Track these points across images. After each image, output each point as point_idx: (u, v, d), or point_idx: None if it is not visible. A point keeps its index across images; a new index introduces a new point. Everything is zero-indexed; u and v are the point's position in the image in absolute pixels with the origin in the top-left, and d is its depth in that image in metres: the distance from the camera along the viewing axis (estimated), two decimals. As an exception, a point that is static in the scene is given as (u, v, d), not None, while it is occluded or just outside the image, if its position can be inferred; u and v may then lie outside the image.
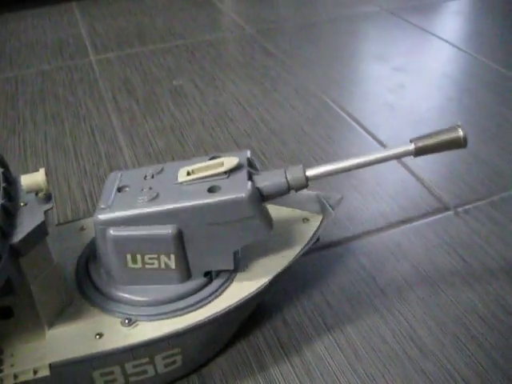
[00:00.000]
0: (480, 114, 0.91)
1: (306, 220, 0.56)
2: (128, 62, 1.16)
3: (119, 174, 0.51)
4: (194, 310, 0.47)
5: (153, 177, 0.50)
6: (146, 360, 0.46)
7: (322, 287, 0.59)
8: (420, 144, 0.47)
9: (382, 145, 0.82)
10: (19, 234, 0.42)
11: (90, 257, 0.52)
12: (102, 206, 0.46)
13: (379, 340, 0.53)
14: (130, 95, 1.01)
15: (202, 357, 0.50)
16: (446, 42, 1.19)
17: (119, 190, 0.48)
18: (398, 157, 0.48)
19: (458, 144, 0.47)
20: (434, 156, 0.78)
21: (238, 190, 0.46)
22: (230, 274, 0.50)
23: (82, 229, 0.57)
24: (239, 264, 0.51)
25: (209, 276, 0.49)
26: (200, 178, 0.48)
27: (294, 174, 0.48)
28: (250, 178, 0.48)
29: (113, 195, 0.48)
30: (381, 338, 0.53)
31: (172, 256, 0.47)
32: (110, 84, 1.06)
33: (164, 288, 0.48)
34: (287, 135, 0.86)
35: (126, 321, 0.46)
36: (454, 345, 0.52)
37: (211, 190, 0.46)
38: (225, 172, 0.48)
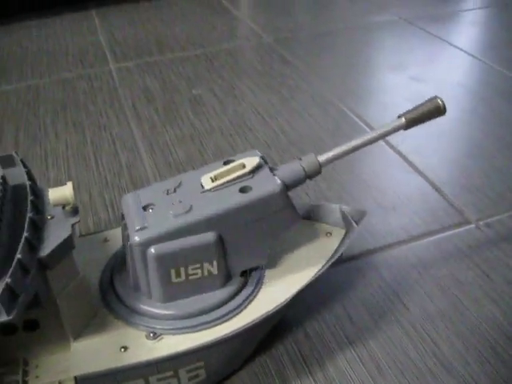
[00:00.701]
0: (495, 123, 0.91)
1: (328, 234, 0.56)
2: (147, 70, 1.16)
3: (137, 194, 0.50)
4: (219, 324, 0.47)
5: (175, 190, 0.50)
6: (171, 373, 0.46)
7: (343, 300, 0.59)
8: (409, 117, 0.53)
9: (402, 155, 0.82)
10: (47, 248, 0.42)
11: (114, 269, 0.52)
12: (138, 228, 0.46)
13: (402, 355, 0.53)
14: (150, 104, 1.02)
15: (225, 370, 0.50)
16: (463, 51, 1.19)
17: (145, 209, 0.48)
18: (394, 131, 0.54)
19: (439, 112, 0.53)
20: (453, 167, 0.79)
21: (269, 186, 0.49)
22: (254, 289, 0.50)
23: (106, 240, 0.57)
24: (263, 278, 0.51)
25: (233, 291, 0.50)
26: (227, 182, 0.49)
27: (308, 162, 0.52)
28: (272, 173, 0.51)
29: (141, 215, 0.47)
30: (403, 352, 0.53)
31: (214, 262, 0.48)
32: (129, 92, 1.07)
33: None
34: (306, 145, 0.86)
35: (151, 334, 0.46)
36: (477, 361, 0.52)
37: (243, 190, 0.49)
38: (250, 172, 0.49)
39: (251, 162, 0.50)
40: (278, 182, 0.49)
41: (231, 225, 0.48)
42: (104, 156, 0.87)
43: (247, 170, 0.50)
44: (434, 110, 0.53)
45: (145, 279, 0.48)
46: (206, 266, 0.48)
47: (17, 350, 0.46)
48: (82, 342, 0.47)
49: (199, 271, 0.48)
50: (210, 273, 0.48)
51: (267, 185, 0.49)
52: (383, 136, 0.54)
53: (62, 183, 0.78)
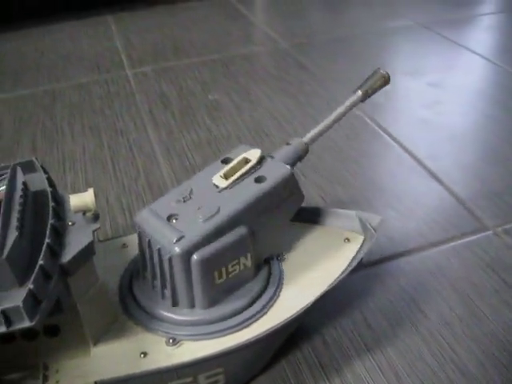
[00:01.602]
0: (511, 127, 0.91)
1: (347, 240, 0.56)
2: (164, 75, 1.17)
3: (151, 209, 0.49)
4: (239, 330, 0.47)
5: (190, 197, 0.50)
6: (190, 379, 0.46)
7: (361, 307, 0.59)
8: (364, 89, 0.59)
9: (420, 162, 0.82)
10: (68, 254, 0.42)
11: (133, 274, 0.52)
12: (176, 239, 0.45)
13: (420, 362, 0.53)
14: (167, 109, 1.02)
15: (244, 376, 0.51)
16: (480, 55, 1.19)
17: (169, 220, 0.48)
18: (355, 104, 0.59)
19: (386, 81, 0.60)
20: (469, 172, 0.79)
21: (280, 171, 0.51)
22: (273, 295, 0.50)
23: (124, 246, 0.57)
24: (282, 284, 0.52)
25: (252, 296, 0.50)
26: (240, 177, 0.50)
27: (296, 143, 0.56)
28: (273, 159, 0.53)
29: (170, 227, 0.47)
30: (422, 359, 0.53)
31: (249, 255, 0.49)
32: (146, 97, 1.07)
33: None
34: (323, 150, 0.86)
35: (171, 340, 0.46)
36: (495, 368, 0.52)
37: (258, 180, 0.50)
38: (257, 163, 0.51)
39: (253, 154, 0.52)
40: (287, 166, 0.52)
41: (255, 215, 0.49)
42: (121, 160, 0.87)
43: (254, 161, 0.51)
44: (382, 81, 0.59)
45: (186, 289, 0.47)
46: (242, 260, 0.49)
47: (37, 354, 0.46)
48: (101, 348, 0.47)
49: (237, 267, 0.49)
50: (245, 266, 0.49)
51: (278, 171, 0.51)
52: (350, 108, 0.59)
53: (79, 187, 0.80)
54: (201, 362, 0.45)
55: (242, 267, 0.49)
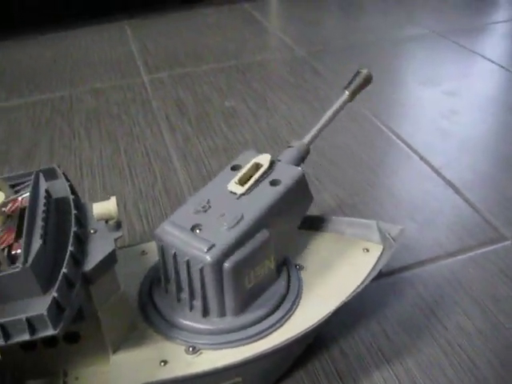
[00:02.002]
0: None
1: (366, 250, 0.56)
2: (180, 81, 1.17)
3: (172, 222, 0.49)
4: (258, 340, 0.47)
5: (210, 207, 0.50)
6: (209, 388, 0.46)
7: (379, 317, 0.59)
8: (351, 89, 0.61)
9: (437, 172, 0.82)
10: (91, 262, 0.42)
11: (153, 282, 0.52)
12: (206, 249, 0.45)
13: (439, 373, 0.53)
14: (183, 115, 1.02)
15: (262, 385, 0.51)
16: (496, 63, 1.18)
17: (193, 230, 0.48)
18: (345, 103, 0.61)
19: (369, 80, 0.62)
20: (486, 181, 0.78)
21: (293, 173, 0.52)
22: (292, 304, 0.50)
23: (144, 253, 0.58)
24: (301, 294, 0.52)
25: (272, 306, 0.50)
26: (256, 182, 0.51)
27: (299, 145, 0.57)
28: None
29: (197, 237, 0.47)
30: (441, 371, 0.53)
31: (272, 257, 0.50)
32: (162, 103, 1.07)
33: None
34: (340, 159, 0.86)
35: (190, 349, 0.46)
36: (514, 379, 0.52)
37: (273, 183, 0.51)
38: (269, 167, 0.52)
39: (264, 159, 0.53)
40: (298, 168, 0.53)
41: (274, 217, 0.49)
42: (138, 166, 0.87)
43: (266, 165, 0.52)
44: (366, 80, 0.62)
45: (218, 298, 0.47)
46: (267, 263, 0.50)
47: (57, 361, 0.46)
48: (121, 355, 0.47)
49: (262, 270, 0.49)
50: (269, 268, 0.50)
51: (291, 173, 0.52)
52: (341, 108, 0.61)
53: (96, 192, 0.80)
54: (220, 371, 0.45)
55: (266, 270, 0.50)
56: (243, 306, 0.49)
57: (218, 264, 0.45)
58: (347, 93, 0.61)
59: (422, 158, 0.85)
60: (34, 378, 0.46)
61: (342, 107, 0.61)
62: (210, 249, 0.45)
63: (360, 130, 0.94)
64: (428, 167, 0.83)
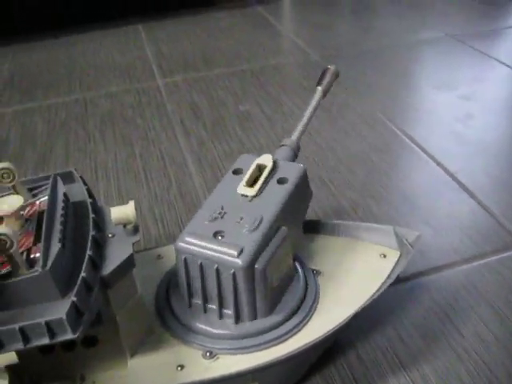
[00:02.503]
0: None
1: (383, 256, 0.55)
2: (194, 85, 1.17)
3: (191, 232, 0.48)
4: (275, 345, 0.47)
5: (225, 212, 0.50)
6: (226, 393, 0.46)
7: (395, 323, 0.59)
8: (324, 86, 0.62)
9: (452, 176, 0.82)
10: (109, 267, 0.42)
11: (170, 286, 0.52)
12: (236, 253, 0.45)
13: (456, 380, 0.52)
14: (198, 119, 1.02)
15: (278, 390, 0.51)
16: (511, 68, 1.18)
17: (215, 237, 0.47)
18: (320, 99, 0.62)
19: (337, 74, 0.64)
20: (501, 186, 0.78)
21: (297, 170, 0.53)
22: (309, 310, 0.50)
23: (159, 257, 0.58)
24: (318, 299, 0.51)
25: (289, 311, 0.50)
26: (264, 182, 0.51)
27: (291, 142, 0.58)
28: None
29: (224, 243, 0.47)
30: (458, 378, 0.52)
31: (291, 254, 0.51)
32: (177, 107, 1.08)
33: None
34: (355, 164, 0.86)
35: (207, 353, 0.46)
36: (532, 387, 0.51)
37: (280, 182, 0.52)
38: (273, 167, 0.53)
39: (266, 159, 0.53)
40: (300, 164, 0.54)
41: (286, 214, 0.50)
42: (153, 170, 0.88)
43: (271, 165, 0.52)
44: (335, 75, 0.64)
45: (250, 301, 0.47)
46: (288, 260, 0.51)
47: (75, 365, 0.46)
48: (138, 359, 0.47)
49: (283, 266, 0.50)
50: (288, 265, 0.51)
51: (295, 170, 0.53)
52: (318, 105, 0.62)
53: (111, 196, 0.80)
54: (237, 376, 0.45)
55: (287, 267, 0.51)
56: (272, 305, 0.49)
57: (250, 267, 0.45)
58: (320, 89, 0.63)
59: (436, 163, 0.85)
60: (51, 381, 0.46)
61: (318, 104, 0.62)
62: (240, 253, 0.45)
63: (374, 133, 0.94)
64: (443, 171, 0.83)
